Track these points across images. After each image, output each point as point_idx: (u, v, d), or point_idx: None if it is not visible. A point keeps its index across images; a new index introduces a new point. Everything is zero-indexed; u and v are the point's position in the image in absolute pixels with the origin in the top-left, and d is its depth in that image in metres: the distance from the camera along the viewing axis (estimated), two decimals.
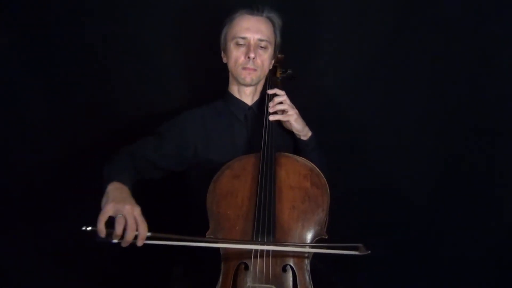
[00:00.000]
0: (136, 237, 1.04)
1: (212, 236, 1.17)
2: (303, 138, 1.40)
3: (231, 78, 1.48)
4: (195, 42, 1.70)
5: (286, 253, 1.13)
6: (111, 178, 1.16)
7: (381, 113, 1.81)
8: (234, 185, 1.23)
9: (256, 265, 1.10)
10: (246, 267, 1.12)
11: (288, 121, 1.37)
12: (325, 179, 1.24)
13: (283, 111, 1.37)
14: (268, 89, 1.43)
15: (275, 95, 1.38)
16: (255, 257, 1.11)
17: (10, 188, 1.68)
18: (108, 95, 1.72)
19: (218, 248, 1.15)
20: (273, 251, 1.11)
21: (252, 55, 1.36)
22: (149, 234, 1.06)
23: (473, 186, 1.80)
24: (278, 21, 1.44)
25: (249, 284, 1.09)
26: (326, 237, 1.17)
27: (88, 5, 1.63)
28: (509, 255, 1.79)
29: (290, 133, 1.44)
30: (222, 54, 1.47)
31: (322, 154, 1.43)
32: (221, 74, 1.51)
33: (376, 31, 1.73)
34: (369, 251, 1.08)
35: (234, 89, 1.48)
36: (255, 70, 1.39)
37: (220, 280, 1.12)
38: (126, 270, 1.79)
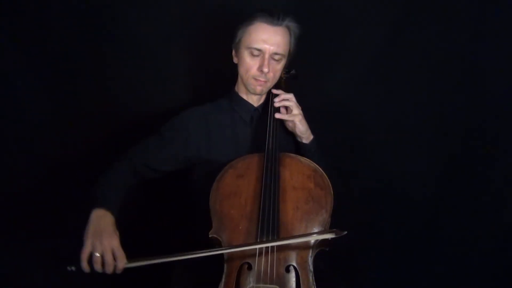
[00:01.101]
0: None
1: (215, 235, 1.17)
2: (305, 141, 1.40)
3: (239, 80, 1.44)
4: (198, 41, 1.69)
5: (289, 252, 1.13)
6: (98, 202, 1.18)
7: (383, 113, 1.81)
8: (237, 185, 1.23)
9: (260, 265, 1.10)
10: (250, 267, 1.11)
11: (292, 121, 1.36)
12: (328, 180, 1.24)
13: (287, 108, 1.37)
14: (272, 89, 1.43)
15: (286, 89, 1.38)
16: (259, 256, 1.11)
17: (10, 188, 1.67)
18: (110, 95, 1.71)
19: (221, 247, 1.15)
20: (276, 250, 1.11)
21: (265, 70, 1.31)
22: (126, 262, 1.13)
23: (474, 186, 1.80)
24: (296, 30, 1.37)
25: (252, 284, 1.09)
26: (329, 238, 1.16)
27: (89, 4, 1.63)
28: (509, 255, 1.80)
29: (292, 136, 1.44)
30: (233, 53, 1.41)
31: (323, 157, 1.41)
32: (223, 73, 1.50)
33: (378, 31, 1.73)
34: (345, 232, 1.10)
35: (242, 90, 1.45)
36: (266, 82, 1.36)
37: (223, 280, 1.12)
38: (126, 270, 1.78)
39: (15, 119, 1.66)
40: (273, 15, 1.30)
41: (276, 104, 1.37)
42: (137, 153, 1.35)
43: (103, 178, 1.28)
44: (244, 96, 1.46)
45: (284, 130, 1.43)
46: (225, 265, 1.14)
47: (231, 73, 1.46)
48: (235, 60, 1.41)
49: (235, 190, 1.22)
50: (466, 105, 1.77)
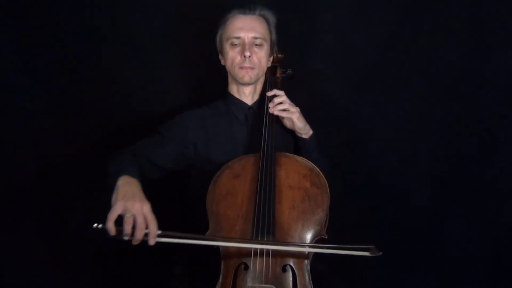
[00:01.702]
0: (146, 235, 1.03)
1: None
2: (305, 136, 1.40)
3: (230, 79, 1.48)
4: (195, 42, 1.70)
5: (287, 252, 1.13)
6: (120, 172, 1.15)
7: (381, 113, 1.81)
8: (234, 185, 1.23)
9: (256, 265, 1.10)
10: (246, 267, 1.11)
11: (290, 118, 1.36)
12: (325, 179, 1.24)
13: (283, 111, 1.36)
14: (268, 89, 1.43)
15: (274, 96, 1.36)
16: (255, 256, 1.10)
17: (9, 187, 1.68)
18: (108, 96, 1.72)
19: (218, 248, 1.15)
20: (272, 250, 1.11)
21: (247, 54, 1.35)
22: (159, 232, 1.05)
23: (474, 186, 1.80)
24: (272, 18, 1.43)
25: (248, 284, 1.09)
26: (326, 237, 1.17)
27: (88, 5, 1.63)
28: (509, 255, 1.79)
29: (291, 133, 1.43)
30: (220, 57, 1.46)
31: (324, 154, 1.42)
32: (220, 74, 1.50)
33: (376, 31, 1.73)
34: (381, 253, 1.06)
35: (234, 89, 1.48)
36: (252, 68, 1.39)
37: (220, 280, 1.12)
38: (126, 270, 1.79)
39: (15, 119, 1.66)
40: (245, 7, 1.40)
41: (271, 111, 1.35)
42: (139, 148, 1.34)
43: (115, 160, 1.25)
44: (237, 95, 1.47)
45: (282, 128, 1.43)
46: (222, 265, 1.14)
47: (226, 75, 1.48)
48: (222, 62, 1.46)
49: (231, 190, 1.22)
50: (466, 105, 1.76)
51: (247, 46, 1.36)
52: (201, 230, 1.20)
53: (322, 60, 1.76)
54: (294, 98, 1.40)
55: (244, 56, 1.36)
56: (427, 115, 1.79)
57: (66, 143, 1.71)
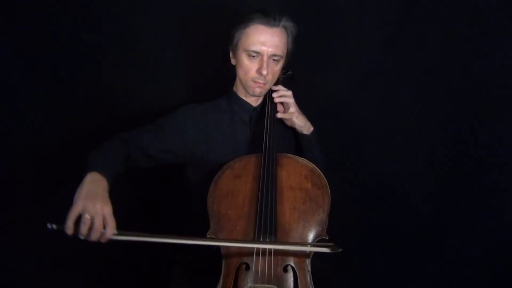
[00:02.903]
0: (102, 234, 1.05)
1: (213, 236, 1.17)
2: (306, 132, 1.41)
3: (238, 81, 1.44)
4: (197, 40, 1.69)
5: (286, 252, 1.13)
6: (93, 166, 1.14)
7: (382, 113, 1.81)
8: (235, 185, 1.23)
9: (258, 265, 1.10)
10: (247, 267, 1.12)
11: (290, 119, 1.38)
12: (326, 180, 1.24)
13: (283, 104, 1.38)
14: (270, 90, 1.43)
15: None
16: (257, 256, 1.11)
17: (10, 187, 1.68)
18: (109, 95, 1.71)
19: (219, 248, 1.16)
20: (274, 251, 1.11)
21: (264, 72, 1.30)
22: (115, 232, 1.06)
23: (473, 186, 1.80)
24: (293, 30, 1.35)
25: (250, 284, 1.09)
26: (327, 238, 1.17)
27: (89, 5, 1.63)
28: (509, 255, 1.80)
29: (292, 130, 1.45)
30: (231, 55, 1.40)
31: (324, 151, 1.43)
32: (222, 72, 1.49)
33: (377, 31, 1.73)
34: (340, 249, 1.09)
35: (240, 90, 1.45)
36: (265, 84, 1.36)
37: (221, 280, 1.12)
38: (126, 270, 1.79)
39: (16, 118, 1.66)
40: (269, 16, 1.28)
41: (276, 100, 1.38)
42: (133, 136, 1.32)
43: (98, 150, 1.24)
44: (243, 96, 1.46)
45: (283, 125, 1.44)
46: (223, 265, 1.14)
47: (229, 73, 1.46)
48: (232, 61, 1.41)
49: (232, 190, 1.22)
50: (466, 105, 1.76)
51: (265, 64, 1.30)
52: (202, 229, 1.20)
53: (322, 60, 1.76)
54: (294, 98, 1.41)
55: (260, 73, 1.32)
56: (427, 115, 1.80)
57: (66, 142, 1.71)
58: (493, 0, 1.67)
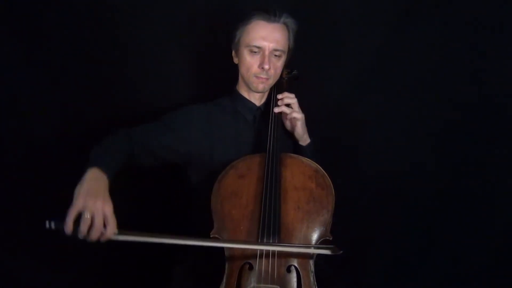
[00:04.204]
0: (102, 234, 1.02)
1: (216, 236, 1.17)
2: (302, 143, 1.42)
3: (240, 79, 1.45)
4: (200, 39, 1.69)
5: (290, 253, 1.13)
6: (94, 162, 1.12)
7: (381, 113, 1.81)
8: (239, 185, 1.23)
9: (262, 265, 1.10)
10: (251, 267, 1.11)
11: (294, 122, 1.38)
12: (330, 180, 1.24)
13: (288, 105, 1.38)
14: (274, 89, 1.44)
15: (288, 89, 1.39)
16: (260, 257, 1.10)
17: (10, 186, 1.67)
18: (111, 94, 1.71)
19: (222, 249, 1.15)
20: (278, 251, 1.11)
21: (266, 67, 1.32)
22: (116, 232, 1.03)
23: (473, 186, 1.80)
24: (293, 26, 1.38)
25: (253, 284, 1.09)
26: (331, 238, 1.17)
27: (90, 4, 1.63)
28: (509, 255, 1.79)
29: (290, 137, 1.45)
30: (233, 54, 1.43)
31: (319, 162, 1.40)
32: (226, 72, 1.50)
33: (378, 31, 1.74)
34: (341, 251, 1.10)
35: (243, 90, 1.46)
36: (267, 79, 1.37)
37: (224, 280, 1.12)
38: (127, 270, 1.78)
39: (16, 117, 1.65)
40: (270, 13, 1.32)
41: (279, 103, 1.38)
42: (137, 132, 1.31)
43: (101, 145, 1.22)
44: (246, 95, 1.46)
45: (284, 130, 1.44)
46: (226, 265, 1.14)
47: (232, 72, 1.46)
48: (235, 60, 1.42)
49: (236, 190, 1.22)
50: (466, 105, 1.77)
51: (266, 59, 1.32)
52: (203, 230, 1.19)
53: (327, 60, 1.77)
54: (299, 98, 1.41)
55: (263, 68, 1.33)
56: (427, 115, 1.80)
57: (67, 142, 1.70)
58: (493, 0, 1.67)
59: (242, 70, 1.39)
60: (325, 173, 1.25)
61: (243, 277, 1.11)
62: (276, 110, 1.38)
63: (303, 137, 1.41)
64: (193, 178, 1.44)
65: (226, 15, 1.44)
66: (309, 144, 1.43)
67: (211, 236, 1.17)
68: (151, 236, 1.08)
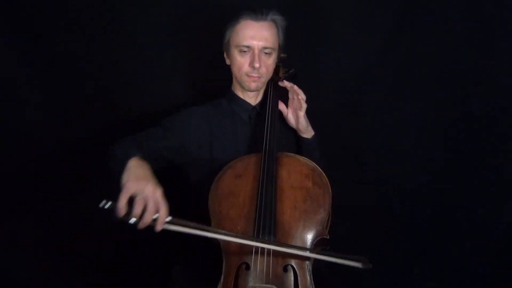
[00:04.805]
0: (154, 220, 1.00)
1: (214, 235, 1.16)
2: (307, 136, 1.42)
3: (234, 80, 1.46)
4: (197, 40, 1.70)
5: (288, 253, 1.12)
6: (130, 155, 1.11)
7: (381, 113, 1.81)
8: (236, 185, 1.23)
9: (257, 264, 1.10)
10: (248, 267, 1.11)
11: (295, 115, 1.38)
12: (327, 179, 1.24)
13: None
14: (271, 89, 1.44)
15: (285, 89, 1.39)
16: (256, 256, 1.11)
17: (10, 186, 1.68)
18: (109, 95, 1.72)
19: (219, 247, 1.15)
20: (274, 250, 1.11)
21: (257, 65, 1.33)
22: (169, 218, 1.02)
23: (474, 186, 1.79)
24: (282, 22, 1.40)
25: (250, 284, 1.09)
26: (328, 237, 1.17)
27: (89, 5, 1.63)
28: (509, 255, 1.79)
29: (292, 132, 1.45)
30: (225, 55, 1.45)
31: (324, 154, 1.43)
32: (223, 72, 1.50)
33: (378, 32, 1.74)
34: (371, 265, 1.08)
35: (238, 90, 1.47)
36: (260, 77, 1.38)
37: (222, 280, 1.12)
38: (127, 270, 1.79)
39: (16, 116, 1.66)
40: (257, 11, 1.34)
41: (289, 83, 1.38)
42: (143, 138, 1.30)
43: (120, 145, 1.21)
44: (241, 95, 1.47)
45: (285, 127, 1.44)
46: (224, 265, 1.14)
47: (228, 73, 1.47)
48: (227, 61, 1.44)
49: (233, 190, 1.22)
50: (466, 105, 1.76)
51: (256, 57, 1.33)
52: None
53: (324, 59, 1.76)
54: None
55: (253, 67, 1.34)
56: (427, 115, 1.79)
57: (67, 142, 1.71)
58: (493, 0, 1.67)
59: (234, 70, 1.40)
60: (322, 172, 1.25)
61: (240, 277, 1.11)
62: (287, 84, 1.37)
63: (308, 129, 1.41)
64: (191, 177, 1.44)
65: (223, 17, 1.44)
66: (314, 136, 1.43)
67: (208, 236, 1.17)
68: (202, 230, 1.05)
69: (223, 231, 1.10)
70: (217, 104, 1.48)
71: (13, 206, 1.68)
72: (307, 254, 1.12)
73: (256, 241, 1.11)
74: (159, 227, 1.01)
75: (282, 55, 1.54)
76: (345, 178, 1.77)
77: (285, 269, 1.11)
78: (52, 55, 1.65)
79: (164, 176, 1.54)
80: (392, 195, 1.84)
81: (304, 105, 1.36)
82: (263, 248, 1.11)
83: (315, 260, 1.16)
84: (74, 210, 1.68)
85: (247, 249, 1.12)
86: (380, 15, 1.72)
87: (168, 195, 1.70)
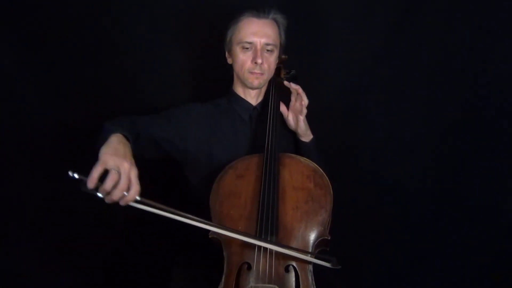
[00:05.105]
0: (122, 197, 0.97)
1: (215, 236, 1.16)
2: (305, 139, 1.42)
3: (236, 79, 1.47)
4: (198, 39, 1.70)
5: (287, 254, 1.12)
6: (116, 130, 1.09)
7: (384, 113, 1.81)
8: (237, 186, 1.23)
9: (260, 264, 1.10)
10: (249, 267, 1.11)
11: (295, 118, 1.39)
12: (328, 180, 1.24)
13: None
14: (272, 90, 1.45)
15: (284, 93, 1.40)
16: (258, 256, 1.11)
17: (10, 186, 1.67)
18: (109, 95, 1.72)
19: (220, 247, 1.15)
20: (276, 251, 1.11)
21: (259, 61, 1.35)
22: (138, 198, 0.98)
23: (474, 186, 1.80)
24: (283, 21, 1.42)
25: (251, 284, 1.09)
26: (329, 238, 1.17)
27: (89, 5, 1.63)
28: (509, 255, 1.79)
29: (291, 135, 1.46)
30: (227, 55, 1.45)
31: (322, 158, 1.42)
32: (223, 72, 1.50)
33: (379, 32, 1.74)
34: (340, 266, 1.09)
35: (239, 89, 1.48)
36: (262, 74, 1.39)
37: (223, 280, 1.12)
38: (126, 270, 1.78)
39: (16, 116, 1.66)
40: (259, 10, 1.37)
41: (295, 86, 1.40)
42: (140, 120, 1.28)
43: (114, 120, 1.18)
44: (242, 95, 1.47)
45: (284, 129, 1.45)
46: (225, 265, 1.13)
47: (229, 73, 1.48)
48: (229, 60, 1.45)
49: (234, 190, 1.22)
50: (466, 105, 1.77)
51: (259, 53, 1.35)
52: (204, 229, 1.18)
53: (325, 60, 1.77)
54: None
55: (256, 63, 1.35)
56: (427, 115, 1.80)
57: (67, 142, 1.70)
58: (493, 0, 1.67)
59: (236, 68, 1.41)
60: (324, 173, 1.25)
61: (242, 277, 1.11)
62: (294, 86, 1.39)
63: (307, 133, 1.42)
64: (191, 178, 1.44)
65: (223, 17, 1.44)
66: (312, 140, 1.43)
67: (209, 236, 1.17)
68: (169, 212, 1.03)
69: (200, 219, 1.08)
70: (217, 103, 1.48)
71: (13, 206, 1.67)
72: (305, 257, 1.12)
73: (255, 239, 1.11)
74: (122, 202, 0.98)
75: (283, 56, 1.54)
76: (345, 178, 1.77)
77: (286, 269, 1.11)
78: (52, 55, 1.65)
79: (164, 176, 1.55)
80: (392, 195, 1.85)
81: (305, 110, 1.37)
82: (265, 248, 1.11)
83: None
84: (74, 210, 1.68)
85: (249, 250, 1.12)
86: (380, 15, 1.73)
87: (168, 195, 1.71)
